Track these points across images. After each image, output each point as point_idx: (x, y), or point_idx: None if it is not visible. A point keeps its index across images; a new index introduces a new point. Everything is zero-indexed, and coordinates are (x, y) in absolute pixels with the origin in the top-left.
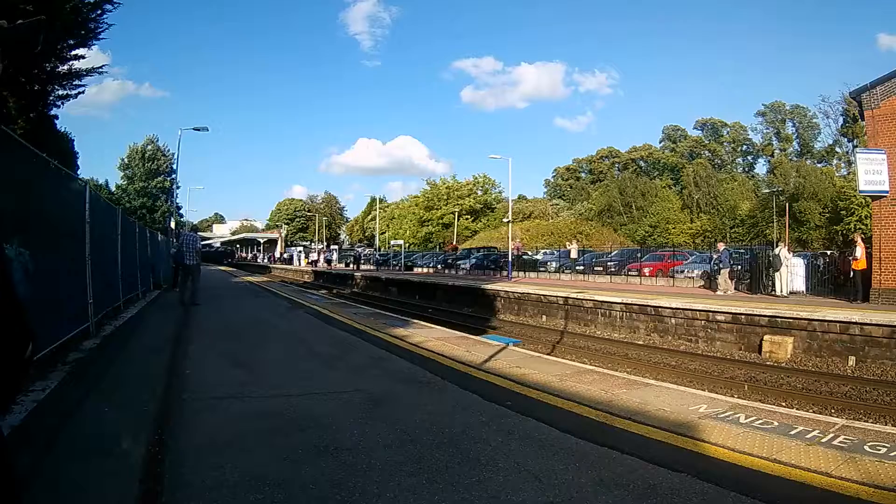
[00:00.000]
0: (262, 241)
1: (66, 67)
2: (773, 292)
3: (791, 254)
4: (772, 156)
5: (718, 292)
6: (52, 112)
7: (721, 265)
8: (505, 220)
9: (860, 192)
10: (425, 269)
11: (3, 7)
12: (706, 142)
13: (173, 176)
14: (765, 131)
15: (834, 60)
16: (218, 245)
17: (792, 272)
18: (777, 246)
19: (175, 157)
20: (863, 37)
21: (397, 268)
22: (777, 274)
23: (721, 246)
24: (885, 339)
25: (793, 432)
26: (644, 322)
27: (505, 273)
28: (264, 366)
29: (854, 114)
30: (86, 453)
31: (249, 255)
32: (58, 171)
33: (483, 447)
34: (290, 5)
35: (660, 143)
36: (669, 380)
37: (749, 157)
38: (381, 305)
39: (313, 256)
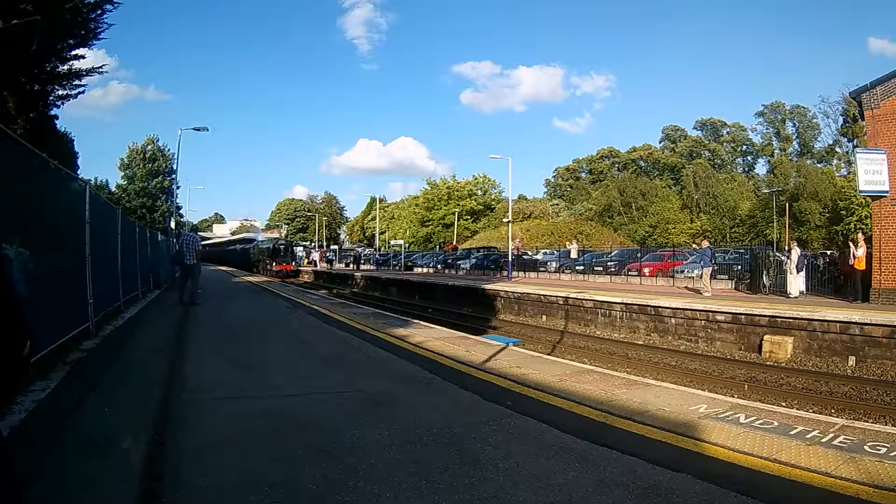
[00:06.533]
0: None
1: (66, 67)
2: (768, 292)
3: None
4: (772, 156)
5: (705, 293)
6: (52, 112)
7: (703, 264)
8: (505, 220)
9: (860, 192)
10: (425, 269)
11: (3, 7)
12: (706, 142)
13: (173, 176)
14: (765, 131)
15: (834, 61)
16: (261, 240)
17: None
18: (789, 248)
19: (175, 157)
20: (860, 38)
21: (397, 268)
22: (790, 276)
23: (705, 243)
24: (885, 339)
25: (793, 432)
26: (644, 322)
27: (505, 273)
28: (264, 366)
29: (854, 114)
30: (86, 453)
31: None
32: (58, 170)
33: (483, 447)
34: (289, 7)
35: (659, 143)
36: (669, 380)
37: (749, 157)
38: (381, 305)
39: (314, 256)
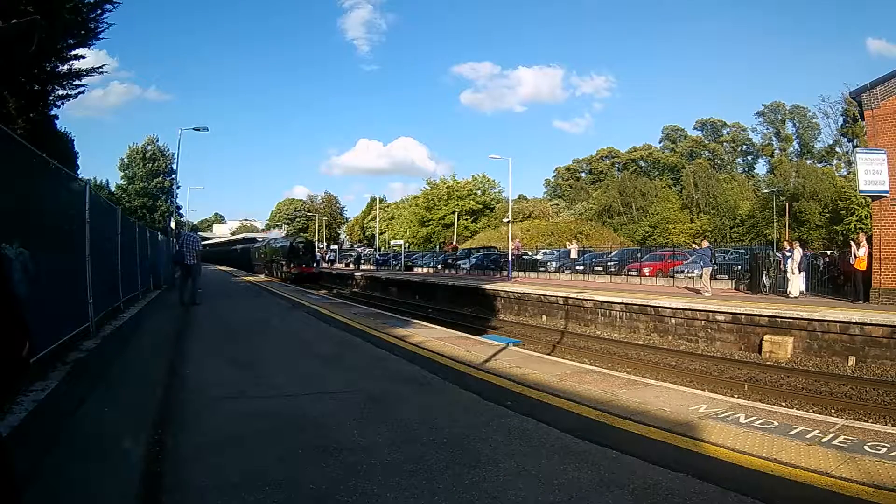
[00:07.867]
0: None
1: (66, 67)
2: (768, 292)
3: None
4: (772, 156)
5: (705, 293)
6: (53, 112)
7: (703, 264)
8: (505, 220)
9: (860, 192)
10: (425, 269)
11: (3, 7)
12: (706, 142)
13: (173, 176)
14: (765, 131)
15: (834, 61)
16: (274, 238)
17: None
18: (790, 248)
19: (175, 157)
20: (859, 38)
21: (397, 268)
22: (792, 276)
23: (705, 243)
24: (885, 339)
25: (793, 432)
26: (644, 322)
27: (505, 273)
28: (264, 366)
29: (854, 114)
30: (86, 453)
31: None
32: (58, 171)
33: (483, 447)
34: (289, 7)
35: (659, 143)
36: (669, 380)
37: (749, 157)
38: (381, 305)
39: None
